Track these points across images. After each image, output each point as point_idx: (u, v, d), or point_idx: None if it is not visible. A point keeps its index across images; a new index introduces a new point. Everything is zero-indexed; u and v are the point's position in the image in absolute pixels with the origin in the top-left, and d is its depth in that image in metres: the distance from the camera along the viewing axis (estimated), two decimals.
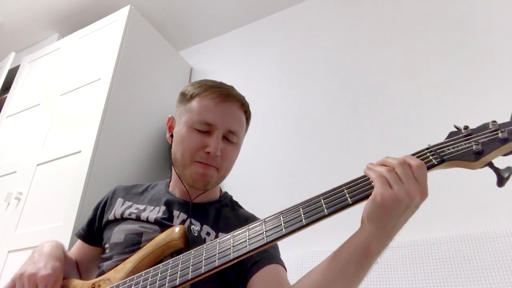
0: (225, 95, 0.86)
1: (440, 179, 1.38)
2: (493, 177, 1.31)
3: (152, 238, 0.77)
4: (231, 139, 0.86)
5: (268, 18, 2.36)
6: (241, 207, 0.97)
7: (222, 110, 0.85)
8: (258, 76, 2.17)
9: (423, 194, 0.56)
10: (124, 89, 1.90)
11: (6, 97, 2.39)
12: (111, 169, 1.72)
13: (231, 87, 0.92)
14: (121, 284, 0.71)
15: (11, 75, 2.43)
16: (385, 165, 0.59)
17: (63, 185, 1.65)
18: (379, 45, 1.83)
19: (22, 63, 2.47)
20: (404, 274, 1.20)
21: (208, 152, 0.82)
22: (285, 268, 0.82)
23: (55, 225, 1.54)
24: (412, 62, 1.70)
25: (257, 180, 1.82)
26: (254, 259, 0.78)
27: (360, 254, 0.58)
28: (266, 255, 0.79)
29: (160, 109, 2.07)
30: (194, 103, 0.86)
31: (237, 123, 0.88)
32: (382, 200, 0.55)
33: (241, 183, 1.85)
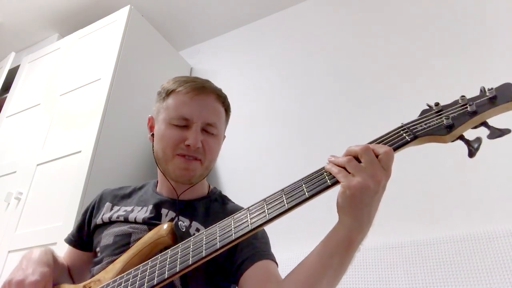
0: (199, 88, 0.87)
1: (440, 179, 1.39)
2: (493, 177, 1.31)
3: (141, 237, 0.77)
4: (211, 131, 0.87)
5: (268, 18, 2.36)
6: (230, 201, 0.97)
7: (197, 103, 0.85)
8: (258, 76, 2.16)
9: (387, 176, 0.58)
10: (124, 89, 1.90)
11: (6, 97, 2.40)
12: (111, 169, 1.72)
13: (206, 81, 0.92)
14: (111, 283, 0.70)
15: (11, 75, 2.43)
16: (349, 154, 0.60)
17: (63, 185, 1.65)
18: (379, 44, 1.83)
19: (22, 63, 2.47)
20: (404, 274, 1.20)
21: (189, 145, 0.82)
22: (276, 263, 0.82)
23: (55, 225, 1.54)
24: (412, 61, 1.70)
25: (257, 179, 1.82)
26: (244, 255, 0.78)
27: (343, 247, 0.59)
28: (256, 251, 0.79)
29: None
30: (170, 100, 0.87)
31: (214, 115, 0.88)
32: (350, 192, 0.56)
33: (241, 181, 1.86)
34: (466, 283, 1.09)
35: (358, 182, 0.55)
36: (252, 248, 0.79)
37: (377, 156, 0.58)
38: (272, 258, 0.81)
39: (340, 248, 0.59)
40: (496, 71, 1.44)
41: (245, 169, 1.88)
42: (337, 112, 1.79)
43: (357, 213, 0.57)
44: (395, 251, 1.25)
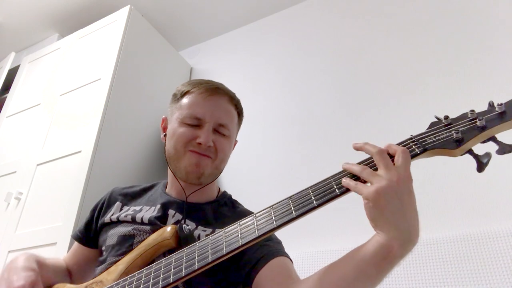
0: (213, 89, 0.89)
1: (440, 180, 1.38)
2: (493, 177, 1.30)
3: (144, 240, 0.77)
4: (222, 132, 0.88)
5: (268, 18, 2.36)
6: (241, 205, 0.97)
7: (210, 104, 0.87)
8: (258, 76, 2.17)
9: (406, 177, 0.57)
10: (124, 89, 1.90)
11: (6, 97, 2.39)
12: (111, 169, 1.72)
13: (220, 84, 0.94)
14: (114, 286, 0.70)
15: (11, 75, 2.43)
16: (365, 152, 0.61)
17: (63, 185, 1.65)
18: (379, 45, 1.83)
19: (22, 63, 2.47)
20: (404, 274, 1.20)
21: (200, 143, 0.83)
22: (292, 261, 0.81)
23: (55, 225, 1.54)
24: (412, 63, 1.70)
25: (257, 179, 1.82)
26: (258, 255, 0.77)
27: (381, 256, 0.56)
28: (271, 250, 0.78)
29: (160, 109, 2.07)
30: (184, 100, 0.89)
31: (227, 116, 0.89)
32: (372, 201, 0.55)
33: (240, 182, 1.85)
34: (466, 283, 1.09)
35: (375, 188, 0.55)
36: (267, 247, 0.78)
37: (392, 158, 0.58)
38: (287, 256, 0.81)
39: (378, 256, 0.56)
40: (496, 72, 1.44)
41: (244, 169, 1.88)
42: (336, 113, 1.79)
43: (390, 220, 0.55)
44: None
